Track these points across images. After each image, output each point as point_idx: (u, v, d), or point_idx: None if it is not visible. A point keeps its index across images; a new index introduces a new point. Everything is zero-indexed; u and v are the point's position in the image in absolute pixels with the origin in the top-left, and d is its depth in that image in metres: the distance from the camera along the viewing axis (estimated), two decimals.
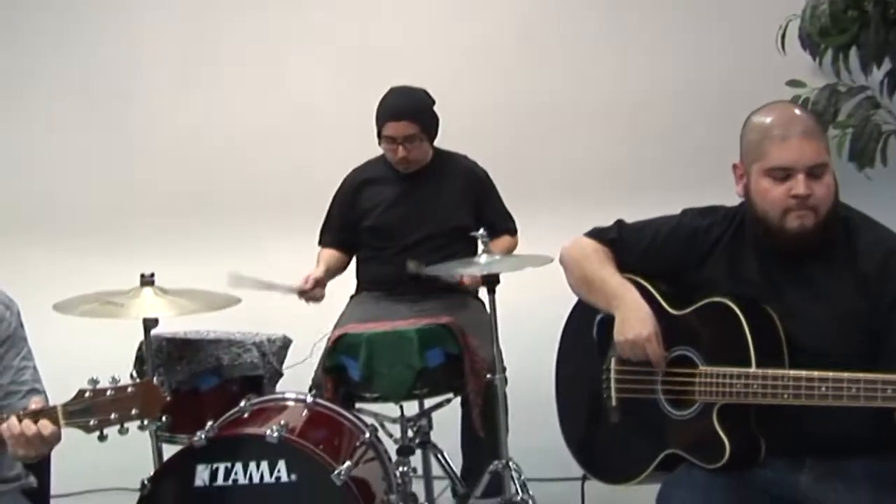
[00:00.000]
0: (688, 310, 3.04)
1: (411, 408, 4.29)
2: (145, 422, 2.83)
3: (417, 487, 4.41)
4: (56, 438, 2.81)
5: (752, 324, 2.86)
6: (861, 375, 2.65)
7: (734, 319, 2.88)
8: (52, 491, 3.45)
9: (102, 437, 2.80)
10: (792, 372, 2.76)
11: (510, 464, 4.17)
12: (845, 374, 2.67)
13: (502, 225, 4.85)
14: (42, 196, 7.72)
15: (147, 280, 4.01)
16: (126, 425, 2.80)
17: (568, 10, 7.27)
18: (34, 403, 2.85)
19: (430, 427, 4.45)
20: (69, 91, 7.79)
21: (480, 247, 4.21)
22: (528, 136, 7.24)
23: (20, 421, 2.77)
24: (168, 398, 2.95)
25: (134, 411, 2.78)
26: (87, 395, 2.78)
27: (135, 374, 4.20)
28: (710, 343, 2.97)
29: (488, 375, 4.16)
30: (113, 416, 2.77)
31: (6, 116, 7.85)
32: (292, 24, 7.48)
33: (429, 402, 4.35)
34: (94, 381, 2.80)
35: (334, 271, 4.91)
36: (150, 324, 3.99)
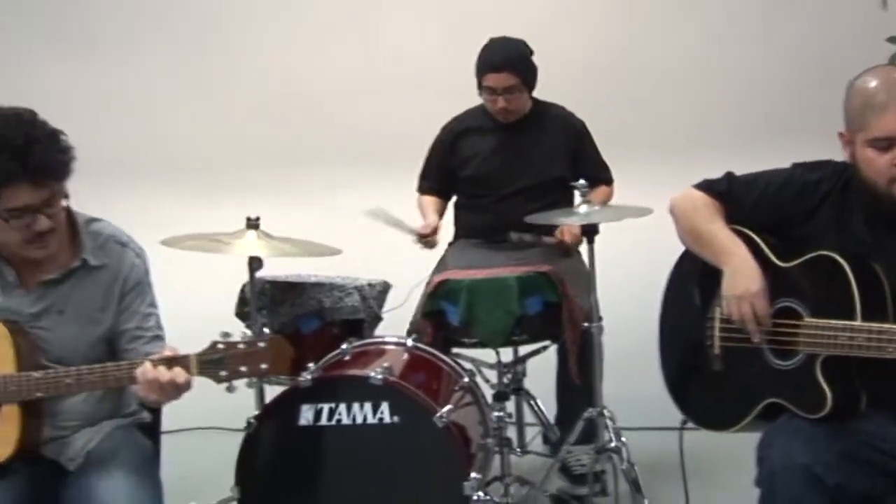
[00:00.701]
0: (795, 262, 3.10)
1: (506, 355, 4.38)
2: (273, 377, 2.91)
3: (510, 433, 4.48)
4: (187, 386, 2.93)
5: (858, 278, 2.92)
6: None
7: (841, 273, 2.94)
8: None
9: (231, 389, 2.94)
10: None
11: (604, 411, 4.25)
12: None
13: (599, 175, 4.90)
14: (158, 142, 7.97)
15: (253, 223, 4.11)
16: (254, 380, 2.90)
17: None
18: (168, 350, 2.98)
19: (524, 374, 4.53)
20: (185, 42, 8.01)
21: (578, 197, 4.27)
22: (632, 90, 7.29)
23: (154, 367, 2.91)
24: (290, 346, 3.02)
25: (264, 366, 2.90)
26: (219, 346, 2.90)
27: (241, 322, 4.32)
28: (816, 296, 3.03)
29: (585, 324, 4.23)
30: (243, 369, 2.89)
31: (127, 66, 8.11)
32: None
33: (524, 349, 4.44)
34: (226, 334, 2.91)
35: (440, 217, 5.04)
36: (254, 264, 4.10)
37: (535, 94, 4.96)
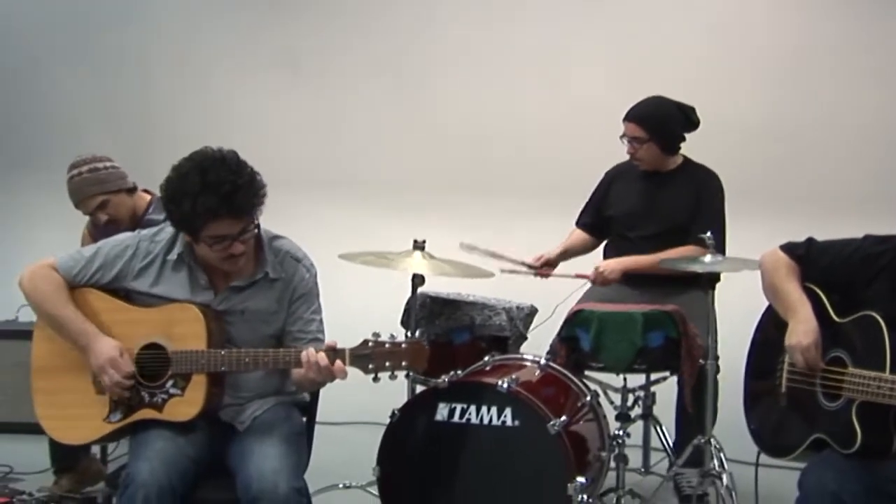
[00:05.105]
0: (848, 319, 3.77)
1: (636, 381, 5.07)
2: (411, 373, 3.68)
3: (636, 455, 5.19)
4: (342, 374, 3.69)
5: (892, 336, 3.57)
6: None
7: (878, 331, 3.60)
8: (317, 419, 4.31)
9: (376, 379, 3.67)
10: None
11: (711, 440, 4.90)
12: None
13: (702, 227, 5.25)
14: (339, 162, 8.72)
15: (419, 245, 4.92)
16: (396, 374, 3.68)
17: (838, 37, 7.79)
18: (329, 342, 3.74)
19: (653, 402, 5.21)
20: (369, 74, 8.76)
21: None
22: (786, 152, 7.69)
23: (317, 351, 3.69)
24: (427, 348, 3.72)
25: (404, 363, 3.65)
26: (370, 344, 3.67)
27: (404, 330, 5.10)
28: (858, 348, 3.70)
29: (701, 361, 4.88)
30: (387, 364, 3.65)
31: (319, 93, 8.93)
32: (576, 31, 8.28)
33: (653, 377, 5.10)
34: (376, 334, 3.67)
35: (575, 251, 5.82)
36: (417, 280, 4.93)
37: (698, 153, 5.66)
